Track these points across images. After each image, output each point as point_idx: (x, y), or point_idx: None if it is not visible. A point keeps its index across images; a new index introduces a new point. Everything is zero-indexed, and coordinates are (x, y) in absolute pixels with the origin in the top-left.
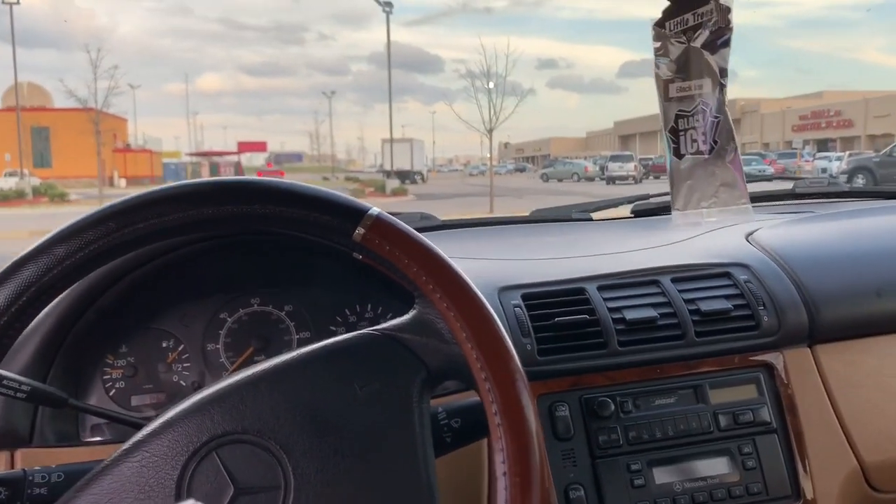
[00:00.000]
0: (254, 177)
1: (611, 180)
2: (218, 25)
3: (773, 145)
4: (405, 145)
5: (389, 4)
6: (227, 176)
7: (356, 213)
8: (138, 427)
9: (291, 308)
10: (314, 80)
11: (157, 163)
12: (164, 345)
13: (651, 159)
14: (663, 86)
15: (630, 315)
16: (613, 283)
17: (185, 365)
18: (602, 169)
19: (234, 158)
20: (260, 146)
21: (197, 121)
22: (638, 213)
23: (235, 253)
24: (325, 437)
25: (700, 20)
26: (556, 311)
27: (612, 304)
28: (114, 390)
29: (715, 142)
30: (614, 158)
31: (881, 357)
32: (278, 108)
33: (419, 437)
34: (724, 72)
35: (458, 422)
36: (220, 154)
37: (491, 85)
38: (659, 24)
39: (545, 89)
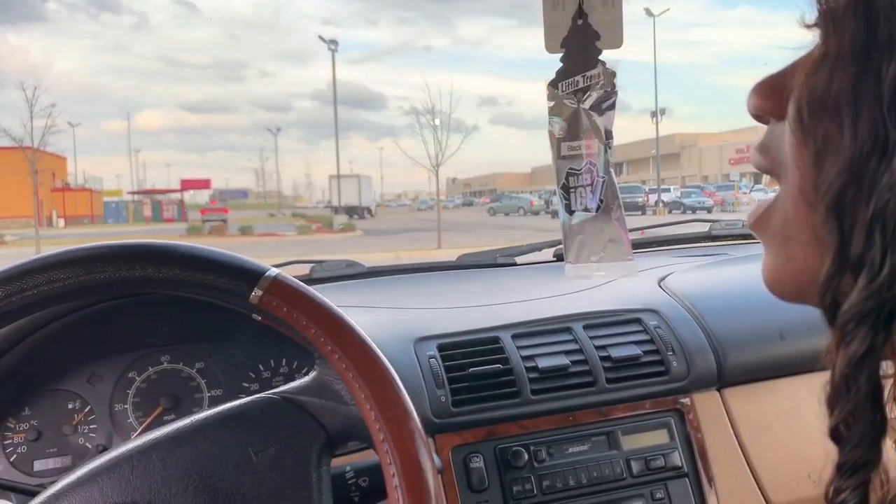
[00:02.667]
0: (147, 241)
1: (555, 214)
2: (157, 63)
3: (711, 178)
4: (353, 181)
5: (335, 43)
6: (138, 241)
7: (252, 275)
8: (35, 495)
9: (203, 365)
10: (257, 116)
11: (97, 202)
12: (70, 406)
13: None
14: (556, 144)
15: (543, 363)
16: (527, 331)
17: (91, 427)
18: (547, 203)
19: (177, 196)
20: (204, 183)
21: (139, 158)
22: (559, 257)
23: (145, 309)
24: None
25: (589, 83)
26: (470, 362)
27: (525, 353)
28: (15, 455)
29: (601, 200)
30: None
31: (787, 398)
32: (221, 144)
33: (317, 502)
34: (609, 133)
35: (365, 481)
36: (163, 192)
37: (437, 122)
38: (553, 85)
39: (488, 126)
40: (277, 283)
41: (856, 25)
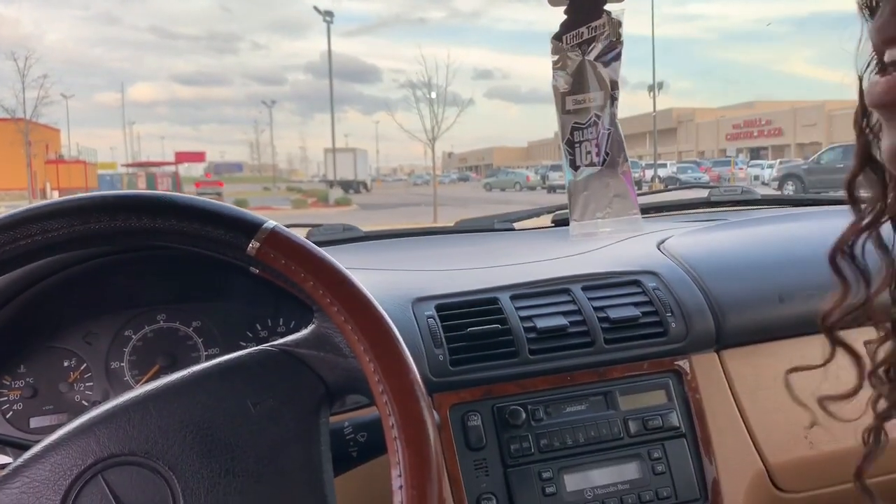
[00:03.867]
0: (145, 191)
1: (552, 189)
2: (149, 35)
3: (708, 153)
4: (348, 155)
5: (330, 14)
6: (140, 190)
7: (250, 227)
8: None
9: (199, 324)
10: (250, 89)
11: (91, 174)
12: (66, 364)
13: None
14: (560, 98)
15: (541, 324)
16: (526, 292)
17: (87, 384)
18: (543, 178)
19: (172, 169)
20: (198, 156)
21: (133, 131)
22: (558, 223)
23: (141, 268)
24: (216, 456)
25: (594, 33)
26: (469, 322)
27: (523, 314)
28: (11, 412)
29: (607, 154)
30: (555, 168)
31: (785, 360)
32: (214, 117)
33: (316, 455)
34: (615, 84)
35: (364, 436)
36: (158, 164)
37: (433, 95)
38: (556, 38)
39: (483, 100)
40: (275, 234)
41: None
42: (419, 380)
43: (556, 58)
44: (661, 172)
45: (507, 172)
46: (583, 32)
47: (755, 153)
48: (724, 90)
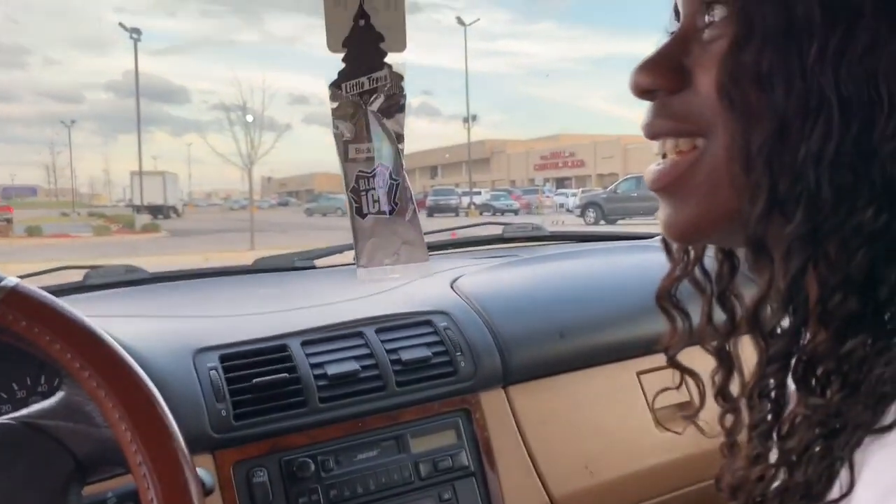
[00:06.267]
0: None
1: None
2: None
3: (518, 182)
4: (157, 178)
5: (137, 31)
6: None
7: None
8: None
9: None
10: (44, 107)
11: None
12: None
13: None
14: (343, 146)
15: (332, 370)
16: (317, 337)
17: None
18: None
19: None
20: None
21: None
22: None
23: None
24: None
25: (375, 85)
26: (255, 371)
27: (314, 360)
28: None
29: (395, 203)
30: None
31: (567, 394)
32: (2, 137)
33: None
34: (399, 136)
35: None
36: None
37: (249, 118)
38: (335, 86)
39: (301, 125)
40: (16, 294)
41: (774, 8)
42: (182, 446)
43: (335, 105)
44: (477, 199)
45: (328, 198)
46: (363, 83)
47: (561, 183)
48: (532, 123)
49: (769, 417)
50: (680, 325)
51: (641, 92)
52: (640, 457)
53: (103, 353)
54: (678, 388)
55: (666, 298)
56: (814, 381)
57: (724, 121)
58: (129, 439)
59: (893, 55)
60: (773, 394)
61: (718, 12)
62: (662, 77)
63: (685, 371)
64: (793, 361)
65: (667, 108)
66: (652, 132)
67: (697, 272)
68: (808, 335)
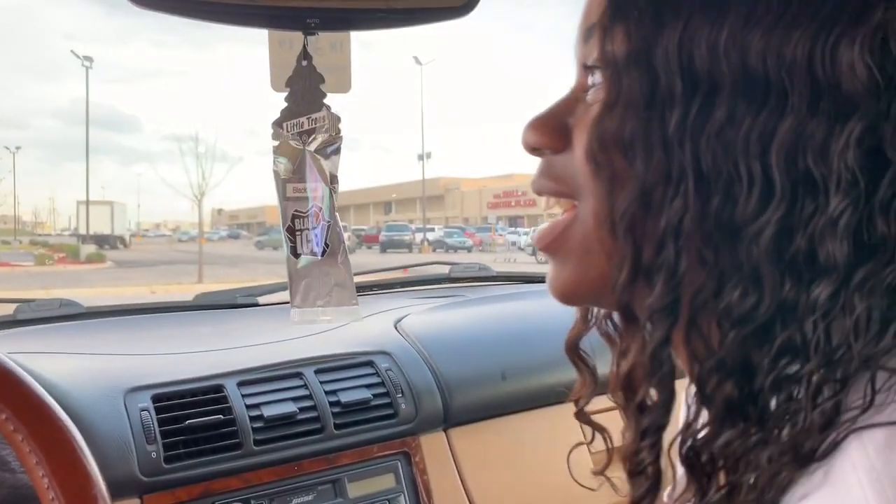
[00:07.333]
0: None
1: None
2: None
3: (472, 220)
4: (104, 208)
5: (89, 59)
6: None
7: None
8: None
9: None
10: None
11: None
12: None
13: (364, 230)
14: (282, 184)
15: (269, 412)
16: (255, 377)
17: None
18: None
19: None
20: None
21: None
22: None
23: None
24: None
25: (314, 125)
26: (188, 413)
27: (251, 401)
28: None
29: (327, 245)
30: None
31: (508, 436)
32: None
33: None
34: (334, 178)
35: None
36: None
37: (201, 149)
38: (277, 123)
39: (254, 157)
40: None
41: (639, 77)
42: (104, 492)
43: (276, 143)
44: (430, 236)
45: (279, 231)
46: (303, 122)
47: (513, 221)
48: (486, 162)
49: (647, 500)
50: (588, 378)
51: (531, 149)
52: (582, 502)
53: (21, 394)
54: (590, 443)
55: (573, 350)
56: (700, 470)
57: (591, 185)
58: (46, 486)
59: (750, 133)
60: (648, 470)
61: (598, 76)
62: (547, 136)
63: (592, 426)
64: (682, 445)
65: (550, 167)
66: (537, 190)
67: (607, 323)
68: (695, 415)
